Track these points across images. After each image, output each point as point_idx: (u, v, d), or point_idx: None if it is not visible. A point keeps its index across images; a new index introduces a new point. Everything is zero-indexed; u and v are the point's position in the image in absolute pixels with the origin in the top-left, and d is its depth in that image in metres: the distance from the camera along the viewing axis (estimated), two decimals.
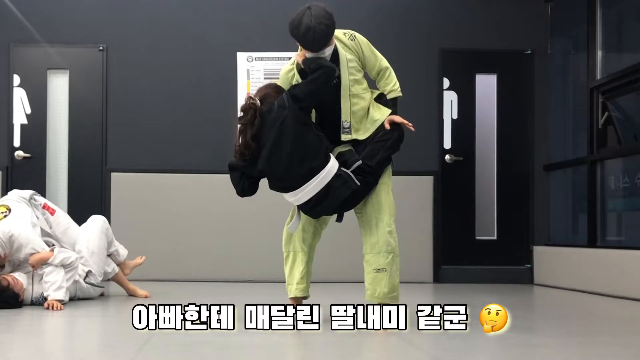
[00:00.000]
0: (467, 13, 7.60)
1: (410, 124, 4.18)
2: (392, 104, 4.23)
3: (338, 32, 4.08)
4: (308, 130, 3.94)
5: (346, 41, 4.10)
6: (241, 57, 7.49)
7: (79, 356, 3.19)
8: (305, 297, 4.23)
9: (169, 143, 7.40)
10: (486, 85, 7.65)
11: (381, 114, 4.17)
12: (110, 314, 4.73)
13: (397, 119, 4.15)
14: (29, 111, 7.35)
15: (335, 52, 4.05)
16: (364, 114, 4.12)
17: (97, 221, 5.47)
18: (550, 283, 7.09)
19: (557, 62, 7.74)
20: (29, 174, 7.28)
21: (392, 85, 4.25)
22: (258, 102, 3.99)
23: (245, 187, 4.11)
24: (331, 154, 4.01)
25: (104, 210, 7.26)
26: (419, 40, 7.56)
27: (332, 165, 3.94)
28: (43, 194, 7.26)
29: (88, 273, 5.16)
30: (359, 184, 3.93)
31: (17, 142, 7.32)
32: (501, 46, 7.59)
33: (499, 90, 7.64)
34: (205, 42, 7.47)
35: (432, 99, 7.53)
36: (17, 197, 5.14)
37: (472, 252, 7.50)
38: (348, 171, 3.94)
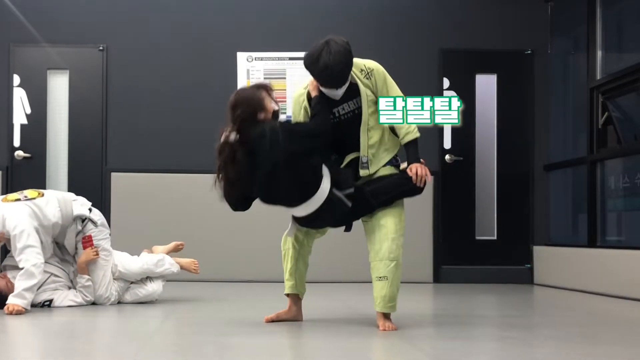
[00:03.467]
0: (467, 13, 7.60)
1: (428, 176, 4.04)
2: (411, 150, 4.04)
3: (355, 67, 3.95)
4: (303, 165, 3.79)
5: (362, 79, 3.98)
6: (241, 57, 7.49)
7: (79, 356, 3.19)
8: (296, 295, 4.21)
9: (169, 143, 7.40)
10: (486, 85, 7.65)
11: (394, 146, 4.09)
12: (111, 314, 4.73)
13: (418, 169, 3.97)
14: (29, 111, 7.35)
15: (356, 86, 3.97)
16: (378, 143, 4.04)
17: (150, 258, 5.31)
18: (550, 283, 7.09)
19: (557, 62, 7.74)
20: (29, 174, 7.28)
21: (406, 128, 4.03)
22: (233, 136, 3.76)
23: (238, 204, 4.06)
24: (324, 175, 3.86)
25: (104, 210, 7.25)
26: (419, 40, 7.56)
27: (323, 189, 3.83)
28: None
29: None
30: (350, 205, 3.87)
31: (17, 142, 7.32)
32: (501, 46, 7.59)
33: (499, 90, 7.64)
34: (205, 42, 7.48)
35: None
36: (58, 198, 4.91)
37: (472, 252, 7.50)
38: (340, 194, 3.85)
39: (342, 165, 4.04)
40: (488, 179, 7.62)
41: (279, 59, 7.49)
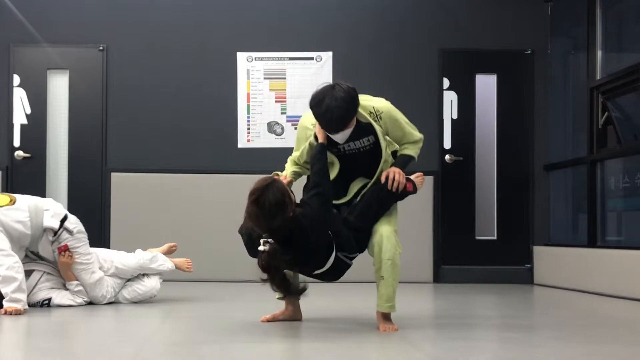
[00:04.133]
0: (467, 13, 7.60)
1: (401, 182, 3.94)
2: (398, 160, 4.05)
3: (364, 109, 3.92)
4: (323, 246, 3.83)
5: (371, 121, 3.96)
6: (241, 57, 7.49)
7: (79, 356, 3.19)
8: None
9: (169, 143, 7.40)
10: (486, 85, 7.65)
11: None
12: (110, 314, 4.73)
13: (391, 174, 3.92)
14: (29, 111, 7.35)
15: (368, 125, 3.95)
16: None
17: (145, 254, 5.32)
18: (550, 283, 7.09)
19: (557, 62, 7.74)
20: (29, 174, 7.29)
21: (411, 150, 4.06)
22: (269, 247, 3.63)
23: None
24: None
25: (104, 210, 7.27)
26: (419, 40, 7.56)
27: (332, 257, 3.91)
28: (43, 194, 7.27)
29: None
30: (351, 263, 3.96)
31: (17, 142, 7.32)
32: (501, 46, 7.60)
33: (499, 90, 7.64)
34: (205, 42, 7.48)
35: (432, 99, 7.53)
36: (29, 205, 4.78)
37: (472, 252, 7.50)
38: (342, 256, 3.90)
39: (350, 195, 4.05)
40: (488, 179, 7.62)
41: (279, 59, 7.49)
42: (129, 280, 5.22)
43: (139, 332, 3.95)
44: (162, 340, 3.57)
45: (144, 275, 5.28)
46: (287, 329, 3.96)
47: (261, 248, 3.62)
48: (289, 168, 4.19)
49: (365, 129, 3.95)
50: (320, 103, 3.78)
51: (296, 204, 3.76)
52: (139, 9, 7.47)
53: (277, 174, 4.12)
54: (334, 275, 3.99)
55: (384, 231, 3.91)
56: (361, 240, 3.96)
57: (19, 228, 4.66)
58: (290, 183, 4.04)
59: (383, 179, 3.94)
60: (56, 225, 4.78)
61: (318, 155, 3.92)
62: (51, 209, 4.84)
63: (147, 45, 7.45)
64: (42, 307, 4.82)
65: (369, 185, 4.03)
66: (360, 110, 3.91)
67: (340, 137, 3.91)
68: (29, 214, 4.70)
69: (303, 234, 3.66)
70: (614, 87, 6.57)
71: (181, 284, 6.75)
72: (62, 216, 4.84)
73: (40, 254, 4.91)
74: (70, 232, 4.83)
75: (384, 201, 3.96)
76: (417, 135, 4.08)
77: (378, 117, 3.96)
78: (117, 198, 7.26)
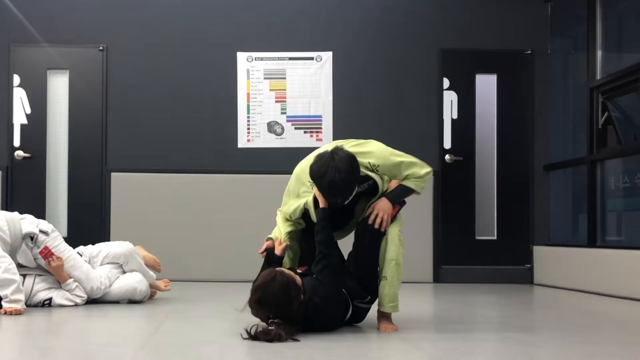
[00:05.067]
0: (467, 13, 7.60)
1: (386, 223, 3.88)
2: (396, 190, 3.96)
3: (362, 167, 3.83)
4: (340, 313, 3.87)
5: (372, 174, 3.93)
6: (241, 57, 7.49)
7: (79, 356, 3.19)
8: None
9: (169, 143, 7.40)
10: (486, 85, 7.65)
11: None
12: (111, 314, 4.73)
13: (378, 212, 3.86)
14: (29, 111, 7.35)
15: (368, 176, 3.92)
16: None
17: (124, 245, 5.33)
18: (550, 283, 7.09)
19: (557, 62, 7.74)
20: (29, 174, 7.29)
21: (412, 182, 3.95)
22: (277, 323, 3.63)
23: None
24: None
25: (104, 210, 7.27)
26: (419, 40, 7.56)
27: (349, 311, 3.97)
28: (43, 194, 7.29)
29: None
30: (369, 306, 3.99)
31: (17, 142, 7.32)
32: (501, 46, 7.60)
33: (499, 90, 7.64)
34: (205, 42, 7.48)
35: (432, 99, 7.53)
36: (7, 218, 4.73)
37: (472, 252, 7.50)
38: (357, 304, 3.95)
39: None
40: (488, 179, 7.62)
41: (279, 59, 7.49)
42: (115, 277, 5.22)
43: (139, 332, 3.95)
44: (162, 340, 3.57)
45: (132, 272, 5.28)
46: None
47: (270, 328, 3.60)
48: (282, 227, 4.07)
49: (363, 178, 3.91)
50: (322, 176, 3.68)
51: (305, 274, 3.79)
52: (139, 9, 7.47)
53: (271, 238, 4.07)
54: (356, 320, 4.05)
55: (388, 232, 3.91)
56: (366, 285, 3.96)
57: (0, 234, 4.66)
58: (286, 247, 4.03)
59: (371, 219, 3.86)
60: (35, 229, 4.79)
61: (322, 223, 3.81)
62: (27, 217, 4.88)
63: (147, 45, 7.45)
64: (44, 307, 4.83)
65: (361, 218, 3.98)
66: (366, 170, 3.86)
67: (342, 200, 3.82)
68: (6, 222, 4.70)
69: (318, 313, 3.69)
70: (614, 87, 6.57)
71: (181, 283, 6.75)
72: (37, 223, 4.87)
73: (21, 263, 4.85)
74: (45, 232, 4.84)
75: (372, 236, 3.91)
76: (421, 171, 3.93)
77: (375, 169, 3.91)
78: (117, 198, 7.25)
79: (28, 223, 4.82)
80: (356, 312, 3.99)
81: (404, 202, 4.07)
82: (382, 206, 3.88)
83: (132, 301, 5.18)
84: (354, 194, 3.79)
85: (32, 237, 4.79)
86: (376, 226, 3.86)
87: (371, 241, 3.90)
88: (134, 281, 5.20)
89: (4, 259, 4.53)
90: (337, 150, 3.74)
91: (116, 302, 5.14)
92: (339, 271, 3.84)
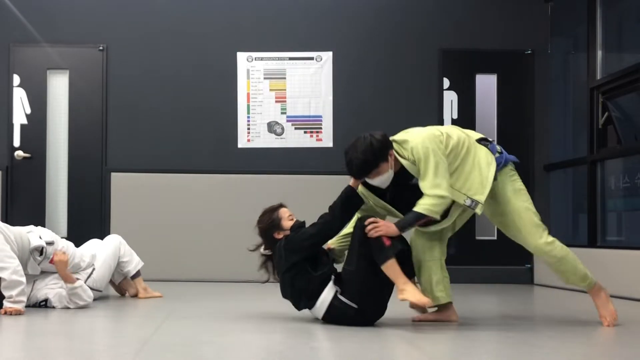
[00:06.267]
0: (467, 13, 7.60)
1: (378, 232, 3.94)
2: (403, 219, 4.02)
3: (406, 154, 4.04)
4: (300, 275, 4.08)
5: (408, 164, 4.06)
6: (241, 57, 7.49)
7: (79, 356, 3.19)
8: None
9: (169, 143, 7.40)
10: (486, 85, 7.65)
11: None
12: (110, 314, 4.73)
13: (377, 226, 3.94)
14: (29, 111, 7.35)
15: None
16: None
17: (113, 239, 5.50)
18: (550, 283, 7.08)
19: (557, 62, 7.74)
20: (29, 174, 7.29)
21: (421, 206, 3.96)
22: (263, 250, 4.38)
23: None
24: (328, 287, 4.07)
25: (104, 210, 7.26)
26: (419, 40, 7.56)
27: (323, 299, 4.04)
28: (43, 194, 7.29)
29: (90, 276, 5.18)
30: (356, 306, 4.00)
31: (17, 142, 7.32)
32: (501, 46, 7.60)
33: (499, 90, 7.64)
34: (205, 42, 7.48)
35: (432, 99, 7.53)
36: (14, 232, 4.71)
37: (472, 252, 7.50)
38: (345, 299, 4.01)
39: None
40: None
41: (279, 59, 7.49)
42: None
43: (139, 332, 3.95)
44: (162, 340, 3.57)
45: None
46: (286, 329, 3.96)
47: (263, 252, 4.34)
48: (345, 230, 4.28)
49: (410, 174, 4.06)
50: (347, 151, 4.02)
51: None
52: (139, 9, 7.47)
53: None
54: (330, 318, 4.06)
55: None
56: (340, 275, 4.07)
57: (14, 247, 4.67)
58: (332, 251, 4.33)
59: (368, 229, 3.93)
60: (42, 242, 4.83)
61: (341, 195, 4.11)
62: (33, 231, 4.89)
63: (147, 45, 7.45)
64: (40, 307, 4.83)
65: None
66: (401, 158, 4.03)
67: (377, 183, 4.05)
68: (14, 237, 4.68)
69: (276, 253, 4.17)
70: (614, 87, 6.57)
71: (181, 283, 6.75)
72: (42, 233, 4.91)
73: (28, 273, 4.83)
74: (50, 243, 4.88)
75: (361, 241, 3.96)
76: (433, 191, 3.93)
77: (416, 162, 4.02)
78: (117, 198, 7.25)
79: (37, 237, 4.84)
80: (335, 307, 3.98)
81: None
82: (387, 224, 3.96)
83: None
84: (381, 176, 3.99)
85: (40, 251, 4.82)
86: (366, 230, 3.93)
87: (362, 242, 3.97)
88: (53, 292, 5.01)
89: (13, 260, 4.54)
90: (366, 133, 4.02)
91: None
92: (322, 235, 4.09)
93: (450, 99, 7.57)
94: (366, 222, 3.94)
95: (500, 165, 4.13)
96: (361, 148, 3.95)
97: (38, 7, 7.37)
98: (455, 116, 7.55)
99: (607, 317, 4.21)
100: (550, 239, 4.17)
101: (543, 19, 7.64)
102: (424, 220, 4.02)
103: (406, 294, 3.83)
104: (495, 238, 7.56)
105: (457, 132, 4.16)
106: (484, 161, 4.09)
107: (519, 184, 4.20)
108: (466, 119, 7.57)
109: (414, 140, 4.02)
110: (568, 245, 7.22)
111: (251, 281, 7.06)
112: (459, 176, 4.06)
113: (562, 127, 7.81)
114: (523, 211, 4.13)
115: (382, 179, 4.02)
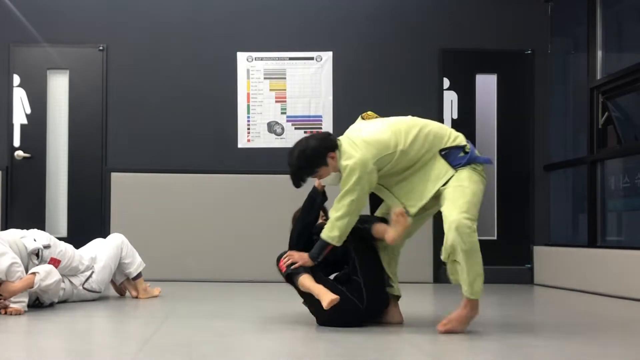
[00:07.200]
0: (467, 13, 7.60)
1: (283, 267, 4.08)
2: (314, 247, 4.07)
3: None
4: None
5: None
6: (241, 57, 7.49)
7: (80, 356, 3.19)
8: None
9: (169, 143, 7.40)
10: (486, 85, 7.65)
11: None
12: (110, 314, 4.73)
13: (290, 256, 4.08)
14: (29, 111, 7.35)
15: None
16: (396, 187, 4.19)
17: (115, 239, 5.48)
18: (550, 283, 7.09)
19: (557, 62, 7.74)
20: (29, 174, 7.29)
21: (327, 228, 4.02)
22: None
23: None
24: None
25: (104, 210, 7.26)
26: (419, 40, 7.56)
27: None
28: (43, 194, 7.29)
29: (88, 278, 5.16)
30: (360, 305, 3.99)
31: (17, 142, 7.32)
32: (501, 46, 7.60)
33: (499, 90, 7.64)
34: (205, 42, 7.48)
35: (432, 99, 7.53)
36: (9, 240, 4.69)
37: None
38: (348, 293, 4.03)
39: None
40: (488, 179, 7.55)
41: (279, 59, 7.49)
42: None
43: (139, 332, 3.95)
44: (162, 340, 3.57)
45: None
46: (287, 329, 3.96)
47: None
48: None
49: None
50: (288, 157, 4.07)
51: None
52: (139, 9, 7.47)
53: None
54: (337, 317, 3.99)
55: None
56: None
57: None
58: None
59: (281, 264, 4.05)
60: (39, 245, 4.81)
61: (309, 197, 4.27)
62: (27, 235, 4.86)
63: (147, 45, 7.45)
64: (35, 307, 4.83)
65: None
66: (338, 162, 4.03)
67: (326, 183, 4.12)
68: (9, 245, 4.67)
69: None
70: (614, 87, 6.57)
71: (181, 283, 6.76)
72: (36, 236, 4.88)
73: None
74: (47, 246, 4.86)
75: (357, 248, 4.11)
76: (340, 202, 3.94)
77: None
78: (117, 198, 7.25)
79: (33, 241, 4.82)
80: (343, 301, 3.92)
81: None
82: (301, 255, 4.02)
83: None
84: (314, 176, 4.07)
85: (37, 254, 4.80)
86: (281, 264, 4.05)
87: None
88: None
89: (19, 267, 4.53)
90: (307, 137, 4.09)
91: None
92: (294, 237, 4.18)
93: (450, 99, 7.57)
94: (283, 257, 4.04)
95: (458, 165, 4.03)
96: (295, 154, 4.01)
97: (38, 7, 7.37)
98: (455, 116, 7.55)
99: (452, 324, 3.85)
100: (474, 227, 3.92)
101: (543, 19, 7.64)
102: (330, 247, 3.99)
103: (327, 295, 3.83)
104: (495, 238, 7.56)
105: (419, 146, 3.99)
106: (434, 175, 4.00)
107: (467, 183, 3.99)
108: (466, 119, 7.57)
109: (353, 158, 3.94)
110: (568, 245, 7.27)
111: (252, 281, 7.07)
112: (404, 187, 4.05)
113: (562, 127, 7.81)
114: (459, 191, 3.97)
115: (328, 180, 4.08)
